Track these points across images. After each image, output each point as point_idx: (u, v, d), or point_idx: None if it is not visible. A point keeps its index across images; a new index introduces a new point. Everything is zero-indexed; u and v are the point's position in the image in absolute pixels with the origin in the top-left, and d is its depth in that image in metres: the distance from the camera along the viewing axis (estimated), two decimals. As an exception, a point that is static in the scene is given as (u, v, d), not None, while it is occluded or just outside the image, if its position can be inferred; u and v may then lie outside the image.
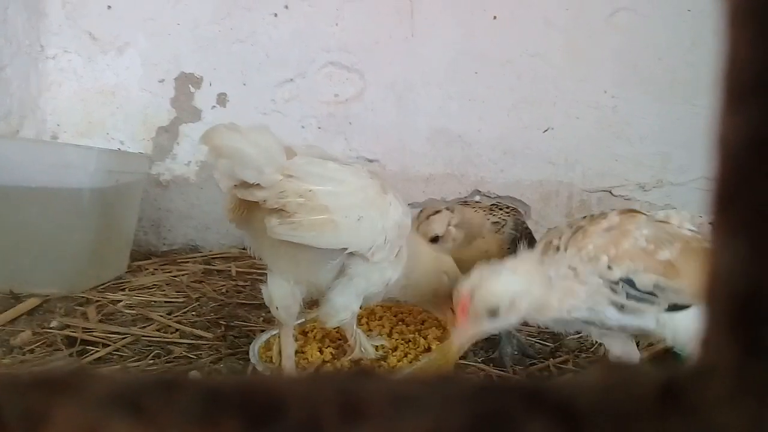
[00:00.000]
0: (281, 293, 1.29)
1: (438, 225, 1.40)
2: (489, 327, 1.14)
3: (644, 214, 1.24)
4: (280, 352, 1.29)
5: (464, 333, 1.11)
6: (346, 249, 1.20)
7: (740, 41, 0.15)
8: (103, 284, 1.86)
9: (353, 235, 1.19)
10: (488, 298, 1.11)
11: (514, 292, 1.12)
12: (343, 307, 1.24)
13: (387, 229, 1.22)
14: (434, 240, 1.39)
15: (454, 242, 1.41)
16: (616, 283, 1.11)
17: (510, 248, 1.44)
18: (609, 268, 1.12)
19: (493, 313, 1.11)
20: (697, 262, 1.14)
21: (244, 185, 1.15)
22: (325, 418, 0.15)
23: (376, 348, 1.30)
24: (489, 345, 1.48)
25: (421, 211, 1.45)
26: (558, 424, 0.16)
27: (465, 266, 1.43)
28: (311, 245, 1.18)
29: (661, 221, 1.22)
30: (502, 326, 1.18)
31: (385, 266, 1.26)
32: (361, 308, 1.45)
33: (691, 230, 1.20)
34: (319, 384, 0.16)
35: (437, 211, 1.43)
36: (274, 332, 1.36)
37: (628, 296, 1.12)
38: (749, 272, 0.14)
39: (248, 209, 1.20)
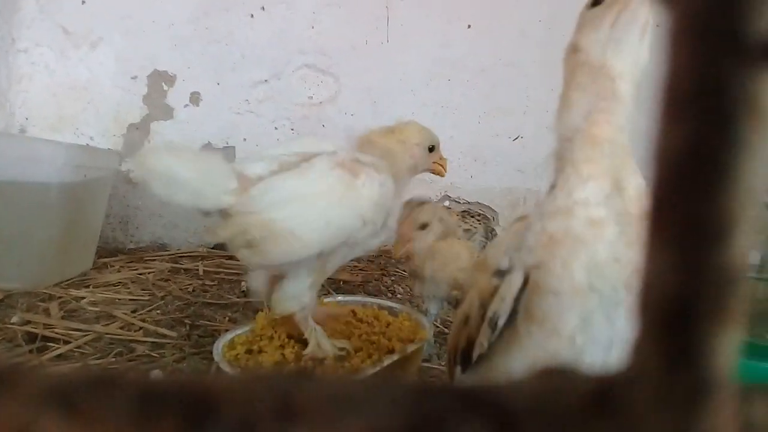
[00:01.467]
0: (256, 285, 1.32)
1: (426, 214, 1.46)
2: None
3: None
4: (246, 351, 1.29)
5: None
6: (321, 252, 1.21)
7: (681, 54, 0.15)
8: (67, 280, 1.83)
9: (324, 240, 1.19)
10: None
11: None
12: (293, 296, 1.25)
13: (363, 212, 1.22)
14: (423, 227, 1.45)
15: (434, 234, 1.45)
16: None
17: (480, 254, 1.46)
18: None
19: None
20: None
21: (211, 228, 1.19)
22: (260, 418, 0.15)
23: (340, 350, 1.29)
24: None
25: (407, 201, 1.50)
26: (493, 426, 0.17)
27: (435, 264, 1.45)
28: (288, 264, 1.21)
29: None
30: None
31: (368, 240, 1.27)
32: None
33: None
34: (255, 384, 0.16)
35: (424, 202, 1.50)
36: (239, 331, 1.35)
37: None
38: (678, 282, 0.15)
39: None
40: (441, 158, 1.47)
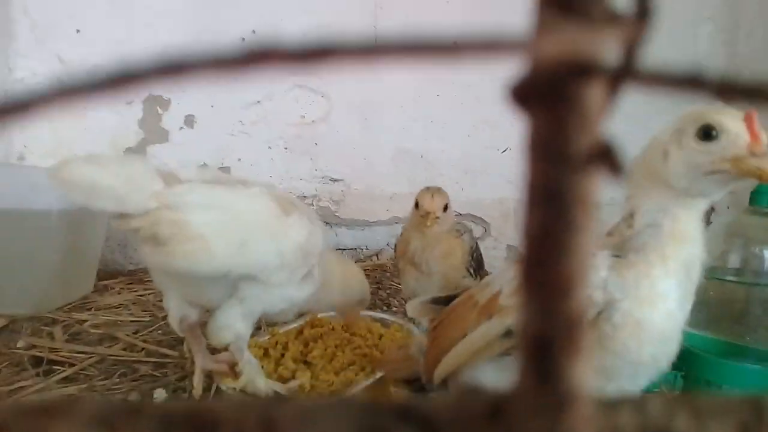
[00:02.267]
0: (174, 312, 1.29)
1: (445, 198, 1.49)
2: None
3: None
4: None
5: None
6: (227, 274, 1.18)
7: (533, 163, 0.21)
8: (69, 304, 1.88)
9: (234, 260, 1.16)
10: None
11: None
12: (225, 326, 1.22)
13: (284, 251, 1.20)
14: (445, 209, 1.47)
15: (446, 222, 1.49)
16: None
17: (468, 258, 1.51)
18: None
19: None
20: None
21: (122, 216, 1.13)
22: None
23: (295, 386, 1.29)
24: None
25: (424, 189, 1.53)
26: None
27: (433, 257, 1.49)
28: (188, 272, 1.16)
29: None
30: None
31: (286, 287, 1.25)
32: (273, 328, 1.50)
33: None
34: (245, 407, 0.21)
35: (438, 189, 1.52)
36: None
37: None
38: (541, 325, 0.20)
39: (131, 235, 1.17)
40: (355, 315, 1.51)
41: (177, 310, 1.27)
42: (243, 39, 2.35)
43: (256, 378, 1.24)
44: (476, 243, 1.59)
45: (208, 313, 1.29)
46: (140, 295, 1.99)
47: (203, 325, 1.33)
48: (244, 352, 1.26)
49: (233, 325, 1.22)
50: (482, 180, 2.46)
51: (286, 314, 1.33)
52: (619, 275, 0.84)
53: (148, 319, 1.80)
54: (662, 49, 2.35)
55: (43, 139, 2.31)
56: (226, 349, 1.33)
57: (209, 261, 1.12)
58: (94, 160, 1.09)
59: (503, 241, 2.43)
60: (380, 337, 1.42)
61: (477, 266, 1.54)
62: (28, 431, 0.20)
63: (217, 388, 1.39)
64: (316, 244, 1.25)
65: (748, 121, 0.80)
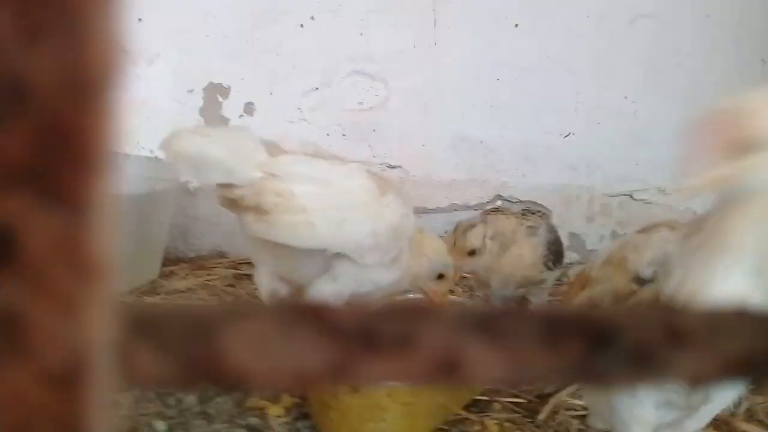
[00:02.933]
0: (265, 286, 1.29)
1: (475, 239, 1.43)
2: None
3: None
4: None
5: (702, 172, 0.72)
6: (326, 250, 1.17)
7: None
8: (137, 288, 1.90)
9: (334, 237, 1.16)
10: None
11: None
12: None
13: (378, 232, 1.18)
14: (472, 253, 1.42)
15: (490, 254, 1.43)
16: None
17: (545, 253, 1.47)
18: None
19: None
20: None
21: (225, 185, 1.15)
22: (654, 341, 0.19)
23: None
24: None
25: (456, 225, 1.48)
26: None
27: (501, 275, 1.46)
28: (287, 244, 1.16)
29: None
30: None
31: (378, 269, 1.23)
32: None
33: None
34: (645, 315, 0.19)
35: (473, 225, 1.46)
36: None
37: None
38: None
39: (231, 204, 1.19)
40: (443, 291, 1.38)
41: (268, 284, 1.27)
42: (301, 26, 2.34)
43: None
44: (555, 233, 1.55)
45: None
46: (207, 281, 2.00)
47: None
48: None
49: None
50: (543, 166, 2.42)
51: (371, 298, 1.32)
52: None
53: (217, 303, 1.80)
54: (732, 28, 2.28)
55: (106, 128, 2.33)
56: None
57: (310, 234, 1.13)
58: (202, 131, 1.11)
59: (565, 228, 2.38)
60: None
61: (556, 258, 1.50)
62: (399, 334, 0.19)
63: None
64: (408, 226, 1.24)
65: None
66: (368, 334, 0.22)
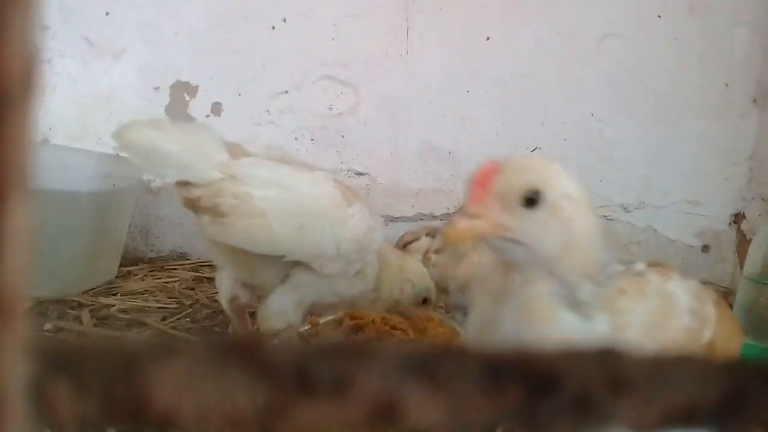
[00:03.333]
0: (225, 291, 1.27)
1: (414, 253, 1.42)
2: (512, 228, 0.75)
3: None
4: None
5: (472, 220, 0.75)
6: (284, 257, 1.15)
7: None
8: (94, 288, 1.85)
9: (292, 243, 1.13)
10: (535, 172, 0.81)
11: (573, 187, 0.80)
12: (278, 312, 1.19)
13: (341, 241, 1.16)
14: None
15: (435, 267, 1.41)
16: None
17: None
18: None
19: (531, 200, 0.77)
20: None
21: (185, 184, 1.11)
22: (596, 388, 0.18)
23: None
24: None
25: (400, 238, 1.46)
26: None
27: (457, 281, 1.46)
28: (244, 248, 1.14)
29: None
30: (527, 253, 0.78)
31: (341, 280, 1.21)
32: (313, 318, 1.44)
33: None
34: (586, 360, 0.19)
35: (416, 239, 1.43)
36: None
37: None
38: None
39: (191, 205, 1.16)
40: (426, 315, 1.34)
41: (228, 289, 1.25)
42: (273, 27, 2.32)
43: None
44: None
45: (257, 298, 1.26)
46: (165, 282, 1.96)
47: (251, 314, 1.30)
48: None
49: (286, 312, 1.19)
50: (509, 178, 2.43)
51: (334, 308, 1.30)
52: None
53: (175, 306, 1.77)
54: (697, 50, 2.32)
55: (68, 122, 2.28)
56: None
57: (267, 239, 1.10)
58: (158, 124, 1.07)
59: (529, 240, 2.40)
60: (423, 330, 1.38)
61: None
62: (335, 374, 0.18)
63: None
64: (373, 239, 1.22)
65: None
66: (303, 375, 0.21)
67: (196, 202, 1.10)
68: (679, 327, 0.83)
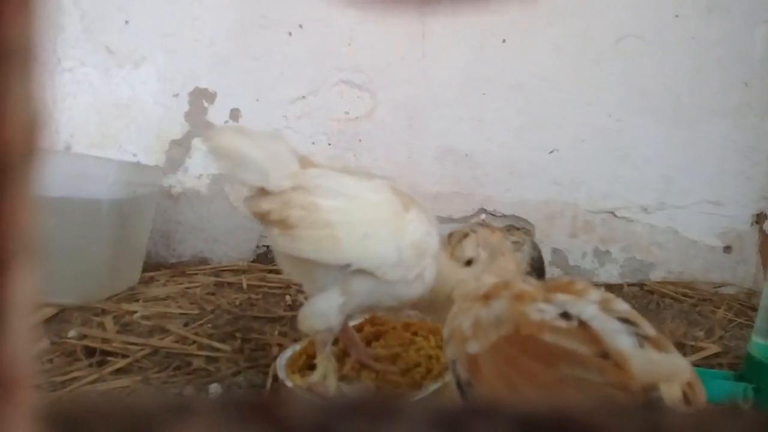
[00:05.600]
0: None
1: (470, 249, 1.42)
2: None
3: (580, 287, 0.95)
4: (309, 368, 1.30)
5: None
6: (349, 266, 1.17)
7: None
8: (116, 295, 1.88)
9: (357, 252, 1.16)
10: None
11: None
12: (321, 314, 1.20)
13: (402, 247, 1.18)
14: (468, 263, 1.41)
15: (482, 263, 1.43)
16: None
17: (528, 270, 1.47)
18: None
19: None
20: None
21: (254, 196, 1.16)
22: None
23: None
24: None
25: (449, 235, 1.46)
26: None
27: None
28: (312, 259, 1.16)
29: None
30: None
31: (401, 285, 1.22)
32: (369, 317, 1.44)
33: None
34: (628, 415, 0.19)
35: (466, 235, 1.44)
36: (297, 347, 1.38)
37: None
38: None
39: (259, 217, 1.19)
40: None
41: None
42: (290, 34, 2.33)
43: (329, 376, 1.21)
44: (538, 251, 1.55)
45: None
46: (187, 288, 1.98)
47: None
48: (327, 347, 1.23)
49: (329, 315, 1.20)
50: (527, 181, 2.42)
51: (395, 312, 1.31)
52: None
53: (197, 311, 1.79)
54: (716, 50, 2.30)
55: (89, 130, 2.31)
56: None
57: (334, 250, 1.13)
58: (244, 131, 1.12)
59: (548, 243, 2.39)
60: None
61: (538, 275, 1.50)
62: None
63: (274, 381, 1.37)
64: (431, 244, 1.24)
65: None
66: None
67: (266, 216, 1.14)
68: None
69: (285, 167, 1.15)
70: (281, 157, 1.16)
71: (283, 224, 1.12)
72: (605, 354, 0.79)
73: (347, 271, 1.18)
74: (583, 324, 0.83)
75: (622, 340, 0.81)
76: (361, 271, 1.19)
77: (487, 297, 0.96)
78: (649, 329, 0.84)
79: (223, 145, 1.13)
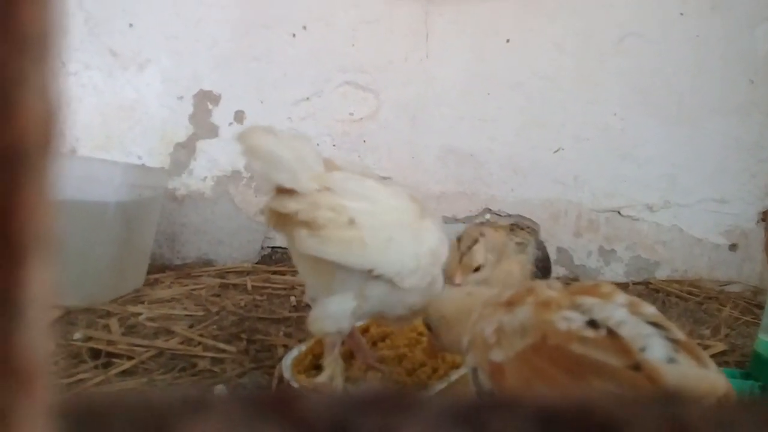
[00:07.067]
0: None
1: (480, 256, 1.42)
2: None
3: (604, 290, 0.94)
4: (314, 368, 1.30)
5: None
6: (372, 270, 1.17)
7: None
8: (121, 297, 1.88)
9: (381, 256, 1.17)
10: None
11: None
12: (332, 317, 1.20)
13: (420, 254, 1.19)
14: (477, 269, 1.41)
15: (489, 267, 1.43)
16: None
17: (533, 269, 1.47)
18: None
19: None
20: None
21: (278, 197, 1.16)
22: None
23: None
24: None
25: (458, 239, 1.46)
26: None
27: (491, 284, 1.45)
28: (337, 262, 1.17)
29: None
30: None
31: (414, 293, 1.22)
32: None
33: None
34: (648, 408, 0.19)
35: (476, 240, 1.44)
36: (303, 347, 1.38)
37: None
38: None
39: (281, 218, 1.20)
40: None
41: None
42: (293, 35, 2.34)
43: (337, 378, 1.21)
44: (543, 250, 1.55)
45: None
46: (192, 290, 1.98)
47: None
48: (335, 349, 1.24)
49: (340, 318, 1.20)
50: (531, 180, 2.42)
51: (405, 320, 1.31)
52: None
53: (201, 313, 1.80)
54: (720, 48, 2.30)
55: (94, 132, 2.32)
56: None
57: (361, 253, 1.14)
58: (274, 131, 1.13)
59: (553, 243, 2.39)
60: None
61: (543, 274, 1.50)
62: (375, 429, 0.18)
63: (279, 382, 1.37)
64: (444, 252, 1.24)
65: None
66: (342, 430, 0.20)
67: (292, 217, 1.14)
68: None
69: (310, 168, 1.16)
70: (308, 158, 1.17)
71: (311, 225, 1.13)
72: (637, 366, 0.78)
73: (368, 276, 1.19)
74: (611, 333, 0.82)
75: (655, 346, 0.80)
76: (378, 277, 1.20)
77: (510, 303, 0.94)
78: (678, 333, 0.83)
79: (258, 144, 1.13)
